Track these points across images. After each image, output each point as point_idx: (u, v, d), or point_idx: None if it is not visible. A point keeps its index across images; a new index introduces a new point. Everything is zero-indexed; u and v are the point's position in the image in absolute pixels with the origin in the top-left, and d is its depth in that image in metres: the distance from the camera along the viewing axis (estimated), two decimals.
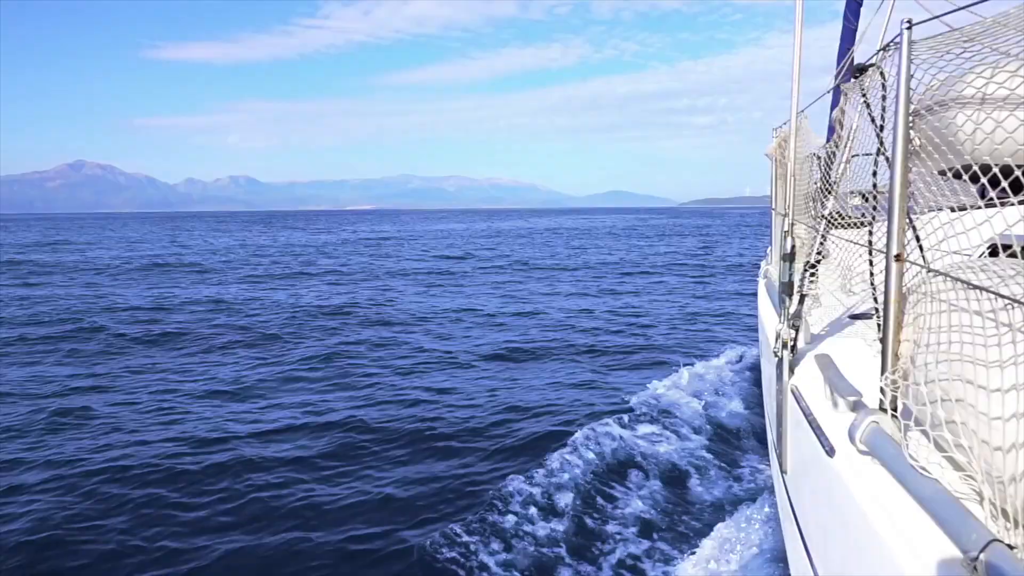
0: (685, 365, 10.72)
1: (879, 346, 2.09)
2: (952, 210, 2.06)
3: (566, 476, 6.43)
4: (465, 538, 5.42)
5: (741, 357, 11.32)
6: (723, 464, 7.11)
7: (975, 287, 1.66)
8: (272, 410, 9.01)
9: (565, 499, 6.03)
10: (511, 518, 5.73)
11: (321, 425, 8.25)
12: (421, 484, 6.60)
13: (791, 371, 3.22)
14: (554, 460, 6.74)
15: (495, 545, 5.37)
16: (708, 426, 8.08)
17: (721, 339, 13.37)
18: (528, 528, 5.60)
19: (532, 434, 7.83)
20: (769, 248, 7.94)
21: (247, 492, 6.43)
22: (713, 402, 8.99)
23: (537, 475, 6.41)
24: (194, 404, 9.33)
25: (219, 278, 26.45)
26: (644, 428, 7.81)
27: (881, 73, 2.40)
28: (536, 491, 6.14)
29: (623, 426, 7.72)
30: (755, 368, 10.67)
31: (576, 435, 7.35)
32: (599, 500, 6.14)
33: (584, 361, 11.83)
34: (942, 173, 2.11)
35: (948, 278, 1.80)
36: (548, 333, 14.35)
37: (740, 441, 7.89)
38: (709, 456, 7.21)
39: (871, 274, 2.62)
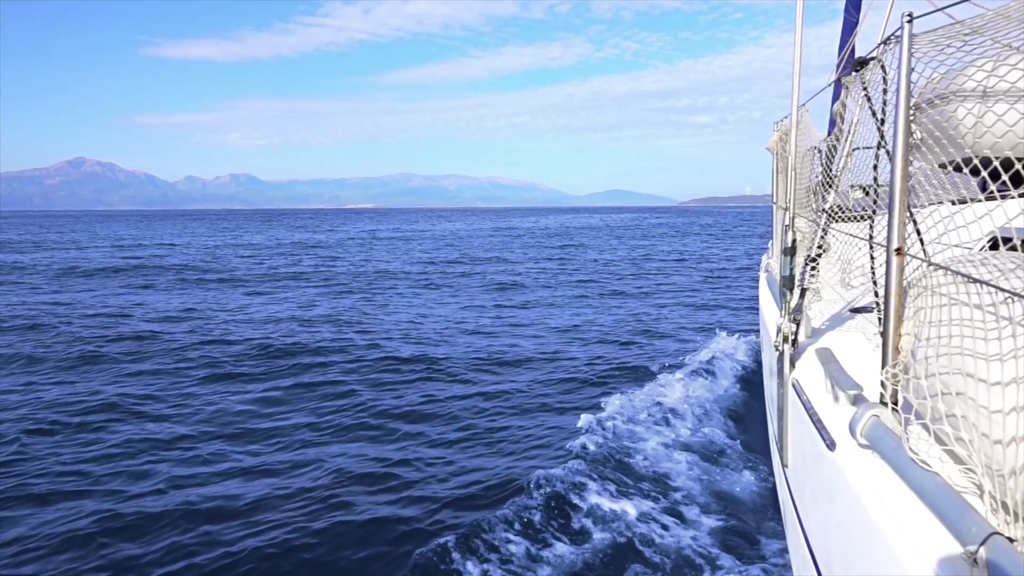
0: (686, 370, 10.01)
1: (879, 340, 2.09)
2: (953, 203, 2.07)
3: None
4: None
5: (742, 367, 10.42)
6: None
7: (975, 281, 1.66)
8: (211, 442, 7.77)
9: None
10: None
11: (266, 466, 7.06)
12: (351, 550, 5.46)
13: (792, 365, 3.22)
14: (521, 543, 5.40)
15: None
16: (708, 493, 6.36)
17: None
18: None
19: (502, 491, 6.32)
20: (771, 242, 7.94)
21: (147, 563, 5.29)
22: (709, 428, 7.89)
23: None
24: (126, 436, 7.98)
25: (199, 279, 25.23)
26: (637, 502, 5.98)
27: (882, 66, 2.40)
28: None
29: (611, 495, 6.09)
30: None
31: (550, 502, 5.90)
32: None
33: (581, 375, 10.61)
34: (943, 166, 2.11)
35: (948, 272, 1.80)
36: (544, 345, 13.00)
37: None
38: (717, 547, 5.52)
39: (872, 268, 2.62)
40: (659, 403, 8.60)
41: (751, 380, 9.39)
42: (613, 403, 8.66)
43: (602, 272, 27.50)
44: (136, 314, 16.90)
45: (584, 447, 7.07)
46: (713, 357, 10.73)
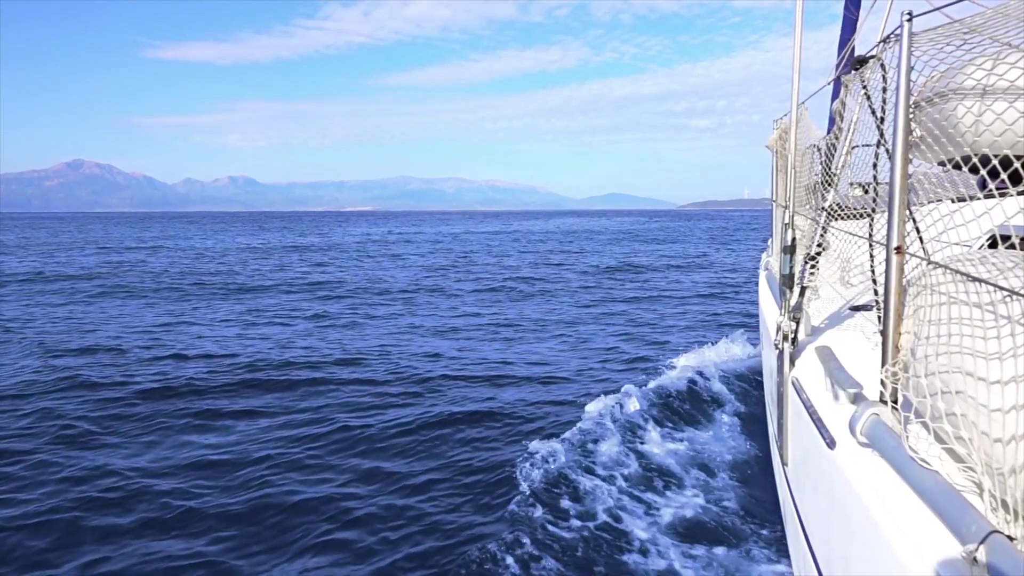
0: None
1: (879, 338, 2.09)
2: (952, 201, 2.07)
3: None
4: None
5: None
6: None
7: (975, 279, 1.67)
8: (151, 483, 6.73)
9: None
10: None
11: (201, 520, 6.06)
12: None
13: (792, 363, 3.23)
14: None
15: None
16: None
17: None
18: None
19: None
20: (770, 240, 7.92)
21: None
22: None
23: None
24: (61, 474, 6.91)
25: (178, 286, 23.54)
26: None
27: (882, 65, 2.40)
28: None
29: None
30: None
31: None
32: None
33: (572, 397, 9.29)
34: (942, 164, 2.12)
35: (948, 270, 1.80)
36: (538, 361, 11.70)
37: None
38: None
39: (871, 267, 2.63)
40: (655, 458, 6.88)
41: (755, 429, 7.67)
42: (599, 452, 6.90)
43: (603, 279, 26.25)
44: (101, 326, 15.56)
45: (561, 539, 5.41)
46: (712, 395, 8.90)
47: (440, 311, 18.22)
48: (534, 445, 7.11)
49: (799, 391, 2.93)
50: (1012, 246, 1.73)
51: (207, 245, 50.57)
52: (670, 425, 7.87)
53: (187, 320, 16.58)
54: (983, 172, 1.76)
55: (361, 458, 7.37)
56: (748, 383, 9.29)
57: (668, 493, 6.19)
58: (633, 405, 8.13)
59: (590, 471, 6.51)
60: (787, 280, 3.32)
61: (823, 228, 3.43)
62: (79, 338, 14.02)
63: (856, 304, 3.74)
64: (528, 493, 6.09)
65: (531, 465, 6.65)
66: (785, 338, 3.26)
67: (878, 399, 2.03)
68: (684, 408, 8.44)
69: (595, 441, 7.17)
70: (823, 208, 3.47)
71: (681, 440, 7.42)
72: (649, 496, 6.12)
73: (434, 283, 25.01)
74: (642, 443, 7.26)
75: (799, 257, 3.34)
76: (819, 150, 4.02)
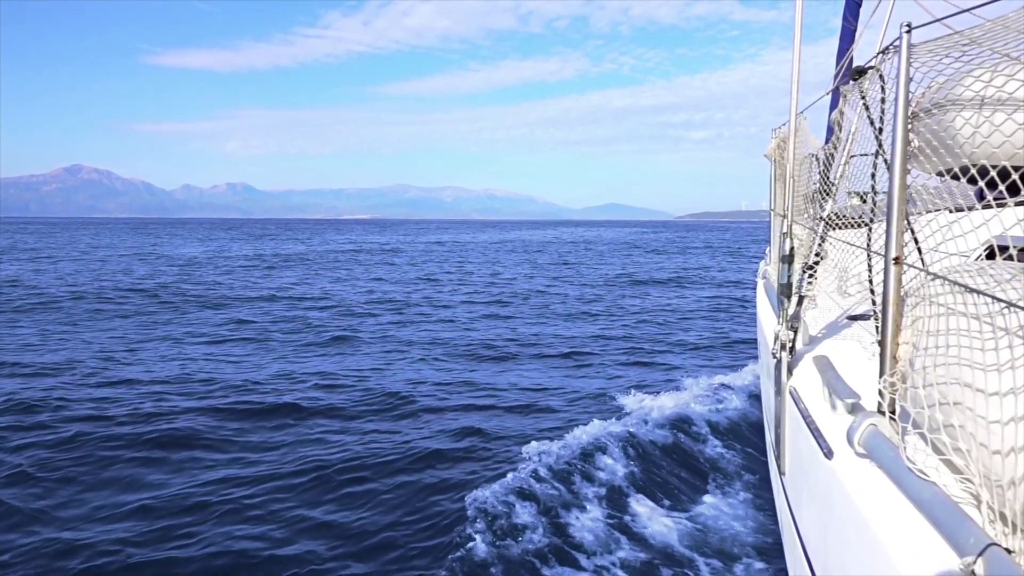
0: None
1: (877, 348, 2.09)
2: (950, 211, 2.07)
3: None
4: None
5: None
6: None
7: (973, 290, 1.66)
8: (48, 549, 5.76)
9: None
10: None
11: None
12: None
13: (789, 372, 3.22)
14: None
15: None
16: None
17: None
18: None
19: None
20: (768, 248, 7.91)
21: None
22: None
23: None
24: None
25: (155, 296, 22.77)
26: None
27: (880, 75, 2.40)
28: None
29: None
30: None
31: None
32: None
33: (560, 423, 8.66)
34: (940, 175, 2.12)
35: (946, 281, 1.80)
36: (527, 395, 10.61)
37: None
38: None
39: (870, 277, 2.63)
40: (656, 538, 5.85)
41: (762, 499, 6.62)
42: (577, 524, 5.94)
43: (603, 293, 25.31)
44: (65, 341, 14.76)
45: None
46: (709, 458, 7.68)
47: (431, 326, 17.33)
48: (512, 502, 6.18)
49: (796, 400, 2.93)
50: (1010, 257, 1.73)
51: (196, 252, 49.96)
52: (667, 501, 6.70)
53: (158, 336, 15.46)
54: (981, 183, 1.76)
55: (312, 508, 6.51)
56: (748, 443, 8.13)
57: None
58: (619, 468, 7.10)
59: (574, 548, 5.61)
60: (785, 289, 3.31)
61: (821, 237, 3.43)
62: (36, 356, 12.95)
63: (854, 314, 3.74)
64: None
65: (500, 534, 5.71)
66: (783, 347, 3.26)
67: (876, 409, 2.02)
68: (678, 473, 7.30)
69: (567, 508, 6.25)
70: (821, 217, 3.47)
71: (682, 517, 6.30)
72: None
73: (426, 296, 24.08)
74: (631, 515, 6.25)
75: (797, 266, 3.33)
76: (817, 159, 4.02)
